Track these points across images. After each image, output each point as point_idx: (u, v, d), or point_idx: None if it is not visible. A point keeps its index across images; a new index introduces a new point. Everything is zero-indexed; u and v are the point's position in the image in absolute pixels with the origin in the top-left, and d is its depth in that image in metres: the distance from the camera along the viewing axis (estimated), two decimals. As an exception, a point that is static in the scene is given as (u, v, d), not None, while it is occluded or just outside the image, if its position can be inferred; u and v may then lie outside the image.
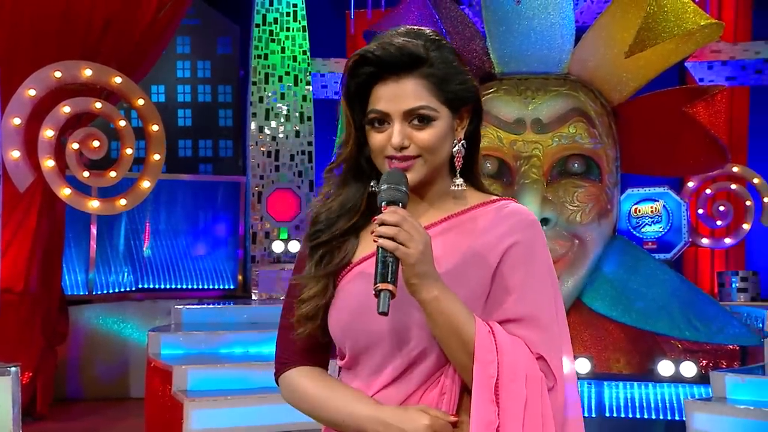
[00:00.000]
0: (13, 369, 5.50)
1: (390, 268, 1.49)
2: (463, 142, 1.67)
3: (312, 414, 1.70)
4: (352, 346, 1.64)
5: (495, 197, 1.72)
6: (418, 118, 1.60)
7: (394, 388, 1.62)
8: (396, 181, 1.56)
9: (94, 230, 8.27)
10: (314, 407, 1.67)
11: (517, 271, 1.62)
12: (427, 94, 1.60)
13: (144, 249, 8.52)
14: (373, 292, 1.49)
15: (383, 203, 1.55)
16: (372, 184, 1.67)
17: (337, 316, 1.65)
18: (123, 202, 6.73)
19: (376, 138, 1.62)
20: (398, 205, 1.54)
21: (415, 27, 1.67)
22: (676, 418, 6.31)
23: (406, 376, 1.61)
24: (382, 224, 1.51)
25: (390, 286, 1.48)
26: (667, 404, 6.63)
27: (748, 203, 8.02)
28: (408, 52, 1.58)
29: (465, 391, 1.59)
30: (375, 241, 1.51)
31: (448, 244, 1.63)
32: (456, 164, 1.67)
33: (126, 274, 8.41)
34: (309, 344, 1.69)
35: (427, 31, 1.65)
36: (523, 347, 1.57)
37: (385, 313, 1.47)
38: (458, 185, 1.67)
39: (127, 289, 8.40)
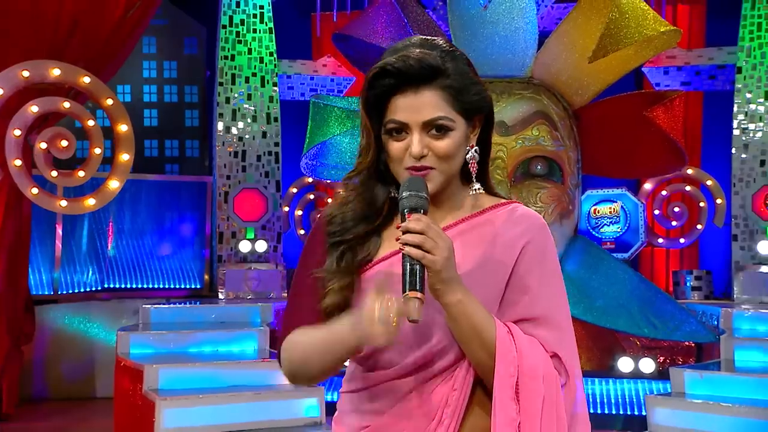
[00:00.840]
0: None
1: (417, 276, 1.53)
2: (476, 148, 1.72)
3: (310, 360, 1.69)
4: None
5: (505, 200, 1.77)
6: (436, 128, 1.64)
7: (412, 378, 1.66)
8: (417, 188, 1.60)
9: (59, 230, 8.16)
10: (310, 350, 1.67)
11: (531, 272, 1.67)
12: (444, 104, 1.64)
13: (108, 249, 8.45)
14: (402, 300, 1.52)
15: (406, 210, 1.58)
16: (392, 189, 1.72)
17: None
18: (91, 201, 6.67)
19: (394, 146, 1.66)
20: (420, 212, 1.57)
21: (429, 37, 1.70)
22: (636, 413, 6.44)
23: (424, 369, 1.66)
24: (406, 232, 1.54)
25: (419, 294, 1.52)
26: (627, 399, 6.73)
27: (701, 204, 8.14)
28: (427, 64, 1.62)
29: (476, 384, 1.65)
30: (401, 249, 1.54)
31: (465, 246, 1.67)
32: (471, 170, 1.73)
33: (91, 273, 8.32)
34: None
35: (441, 42, 1.69)
36: (539, 347, 1.63)
37: (416, 321, 1.51)
38: (476, 190, 1.74)
39: (93, 288, 8.30)
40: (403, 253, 1.54)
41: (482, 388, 1.66)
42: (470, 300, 1.59)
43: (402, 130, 1.65)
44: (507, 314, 1.67)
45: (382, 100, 1.66)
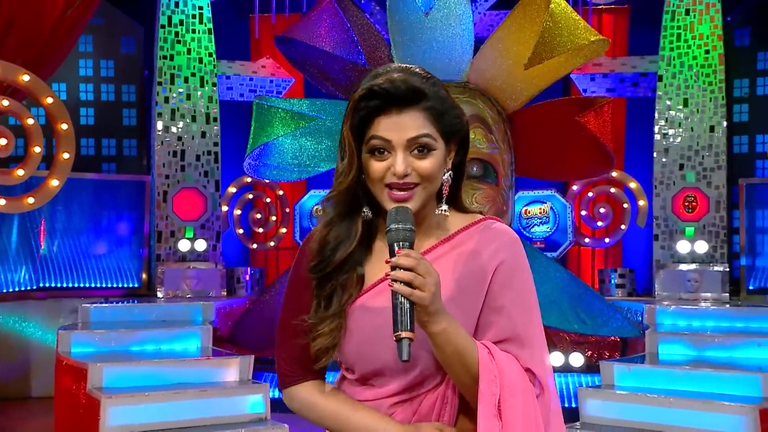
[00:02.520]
0: None
1: (408, 316, 1.54)
2: (450, 172, 1.77)
3: (330, 428, 1.79)
4: (362, 368, 1.77)
5: (478, 218, 1.83)
6: (419, 147, 1.67)
7: (401, 397, 1.76)
8: (404, 219, 1.62)
9: None
10: (334, 423, 1.77)
11: (504, 291, 1.74)
12: (428, 124, 1.68)
13: (41, 247, 8.27)
14: (394, 339, 1.55)
15: (395, 245, 1.59)
16: (365, 210, 1.75)
17: (349, 349, 1.76)
18: (31, 200, 6.51)
19: (375, 166, 1.68)
20: (407, 245, 1.59)
21: (405, 65, 1.74)
22: (566, 405, 6.61)
23: (413, 389, 1.75)
24: (395, 267, 1.56)
25: (410, 334, 1.54)
26: (558, 392, 6.96)
27: (625, 206, 8.36)
28: (412, 86, 1.66)
29: (463, 399, 1.75)
30: (390, 286, 1.56)
31: (443, 271, 1.69)
32: (443, 192, 1.76)
33: (24, 272, 8.11)
34: (313, 359, 1.78)
35: (418, 70, 1.73)
36: (516, 364, 1.71)
37: (407, 360, 1.54)
38: (443, 211, 1.76)
39: (28, 288, 8.10)
40: (392, 290, 1.56)
41: (464, 399, 1.75)
42: (454, 327, 1.64)
43: (384, 149, 1.67)
44: (484, 335, 1.74)
45: (365, 122, 1.69)
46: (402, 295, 1.54)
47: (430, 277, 1.56)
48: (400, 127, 1.66)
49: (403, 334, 1.53)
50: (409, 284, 1.54)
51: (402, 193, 1.67)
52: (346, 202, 1.75)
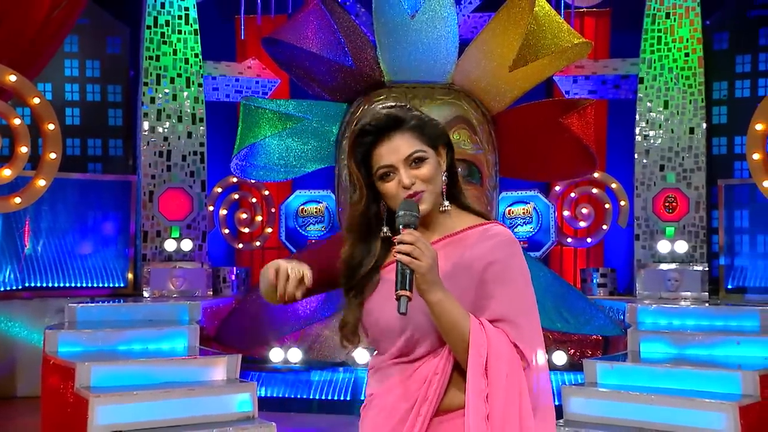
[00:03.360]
0: None
1: (407, 279, 1.88)
2: (445, 173, 2.09)
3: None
4: (373, 333, 2.13)
5: (483, 221, 2.12)
6: (414, 161, 2.02)
7: (401, 362, 2.06)
8: (410, 208, 1.96)
9: None
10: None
11: (497, 283, 2.02)
12: (415, 141, 2.03)
13: (26, 247, 8.25)
14: (395, 297, 1.88)
15: (401, 226, 1.93)
16: (385, 230, 2.10)
17: (367, 326, 2.14)
18: (18, 200, 6.57)
19: (387, 187, 2.04)
20: (412, 228, 1.93)
21: (387, 104, 2.11)
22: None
23: (407, 355, 2.05)
24: (400, 242, 1.90)
25: (408, 293, 1.88)
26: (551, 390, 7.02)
27: (607, 206, 8.43)
28: (393, 115, 2.04)
29: (454, 370, 2.01)
30: (395, 257, 1.91)
31: (446, 258, 2.03)
32: (443, 191, 2.09)
33: (9, 272, 8.10)
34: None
35: (392, 102, 2.23)
36: (504, 337, 1.99)
37: (404, 314, 1.88)
38: (446, 206, 2.08)
39: (13, 287, 8.08)
40: (396, 260, 1.89)
41: (458, 372, 2.01)
42: (449, 299, 1.94)
43: (390, 172, 2.02)
44: (480, 314, 2.01)
45: (367, 156, 2.05)
46: (403, 264, 1.88)
47: (428, 251, 1.90)
48: (395, 149, 2.02)
49: (402, 293, 1.87)
50: (409, 255, 1.88)
51: (415, 198, 2.01)
52: (362, 226, 2.10)
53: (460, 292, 1.99)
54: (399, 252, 1.89)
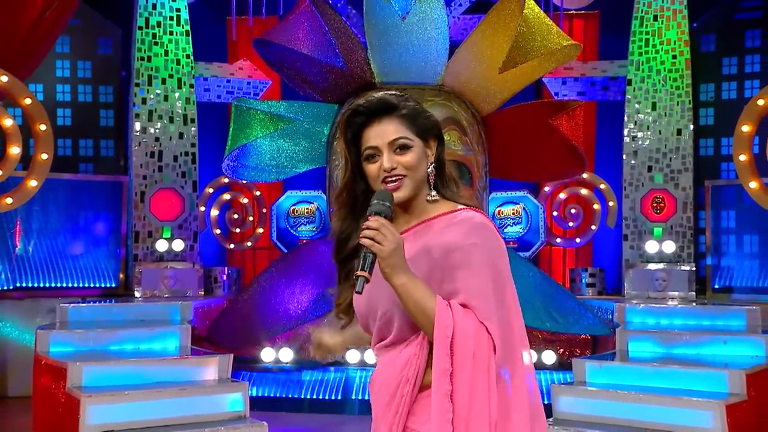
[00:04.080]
0: None
1: (367, 261, 1.98)
2: (433, 164, 2.15)
3: None
4: (359, 317, 2.23)
5: (459, 207, 2.15)
6: (399, 146, 2.09)
7: (386, 345, 2.14)
8: (382, 198, 2.04)
9: None
10: None
11: (461, 268, 2.05)
12: (403, 128, 2.09)
13: (17, 247, 8.24)
14: (354, 277, 2.00)
15: (370, 213, 2.02)
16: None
17: (354, 308, 2.24)
18: (9, 200, 6.59)
19: (371, 168, 2.11)
20: (381, 216, 2.01)
21: (382, 92, 2.18)
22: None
23: (387, 336, 2.13)
24: (366, 228, 1.99)
25: (365, 274, 1.97)
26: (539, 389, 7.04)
27: (595, 207, 8.45)
28: (386, 101, 2.11)
29: (430, 351, 2.05)
30: (359, 240, 2.00)
31: (414, 242, 2.10)
32: (430, 181, 2.15)
33: (1, 272, 8.08)
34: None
35: (391, 92, 2.17)
36: (471, 316, 2.02)
37: (359, 293, 1.99)
38: (432, 196, 2.14)
39: (4, 288, 8.06)
40: (359, 243, 2.00)
41: None
42: (414, 282, 2.01)
43: (375, 154, 2.09)
44: (445, 296, 2.06)
45: (357, 136, 2.13)
46: (366, 248, 1.98)
47: (391, 236, 1.98)
48: (382, 133, 2.08)
49: (360, 273, 1.97)
50: (372, 239, 1.96)
51: (393, 184, 2.08)
52: (348, 200, 2.18)
53: (422, 277, 2.04)
54: (363, 236, 1.98)
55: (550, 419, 5.71)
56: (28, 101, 6.52)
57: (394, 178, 2.06)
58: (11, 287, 8.09)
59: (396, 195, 2.06)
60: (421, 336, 2.05)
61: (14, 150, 6.47)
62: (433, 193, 2.12)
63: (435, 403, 1.96)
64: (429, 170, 2.12)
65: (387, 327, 2.12)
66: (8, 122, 6.46)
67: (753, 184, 6.74)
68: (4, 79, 6.36)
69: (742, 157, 6.71)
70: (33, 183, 6.56)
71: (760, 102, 6.69)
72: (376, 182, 2.10)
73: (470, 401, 1.96)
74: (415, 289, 2.00)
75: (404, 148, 2.07)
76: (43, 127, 6.56)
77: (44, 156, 6.56)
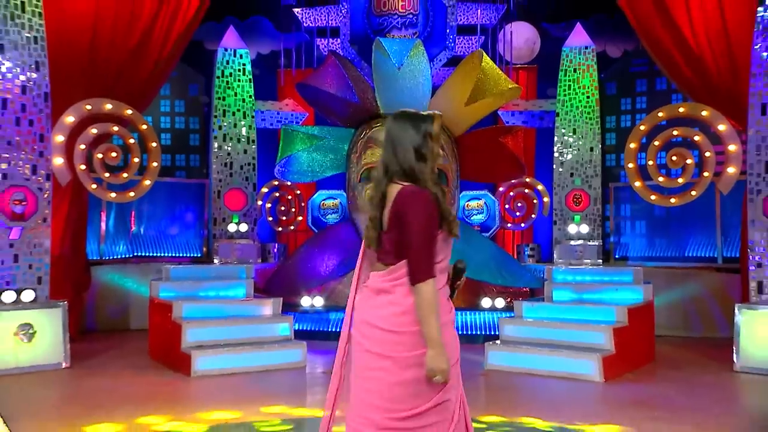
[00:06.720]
0: (62, 303, 5.77)
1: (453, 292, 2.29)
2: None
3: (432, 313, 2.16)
4: None
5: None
6: None
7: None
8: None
9: (104, 215, 8.07)
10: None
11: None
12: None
13: (132, 228, 8.44)
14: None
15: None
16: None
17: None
18: (132, 194, 6.69)
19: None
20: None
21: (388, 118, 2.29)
22: (492, 332, 6.85)
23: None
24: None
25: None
26: (487, 324, 7.17)
27: (535, 201, 8.34)
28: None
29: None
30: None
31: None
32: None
33: (123, 245, 8.22)
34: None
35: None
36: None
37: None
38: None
39: (125, 256, 8.20)
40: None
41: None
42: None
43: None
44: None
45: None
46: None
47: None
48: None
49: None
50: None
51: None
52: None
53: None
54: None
55: (498, 341, 5.95)
56: (144, 127, 6.63)
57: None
58: (131, 255, 8.24)
59: None
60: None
61: (135, 160, 6.60)
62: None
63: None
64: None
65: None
66: (131, 141, 6.59)
67: (637, 184, 6.69)
68: (129, 112, 6.52)
69: (630, 165, 6.67)
70: (147, 183, 6.66)
71: (642, 128, 6.70)
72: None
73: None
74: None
75: None
76: (154, 144, 6.66)
77: (155, 164, 6.67)
